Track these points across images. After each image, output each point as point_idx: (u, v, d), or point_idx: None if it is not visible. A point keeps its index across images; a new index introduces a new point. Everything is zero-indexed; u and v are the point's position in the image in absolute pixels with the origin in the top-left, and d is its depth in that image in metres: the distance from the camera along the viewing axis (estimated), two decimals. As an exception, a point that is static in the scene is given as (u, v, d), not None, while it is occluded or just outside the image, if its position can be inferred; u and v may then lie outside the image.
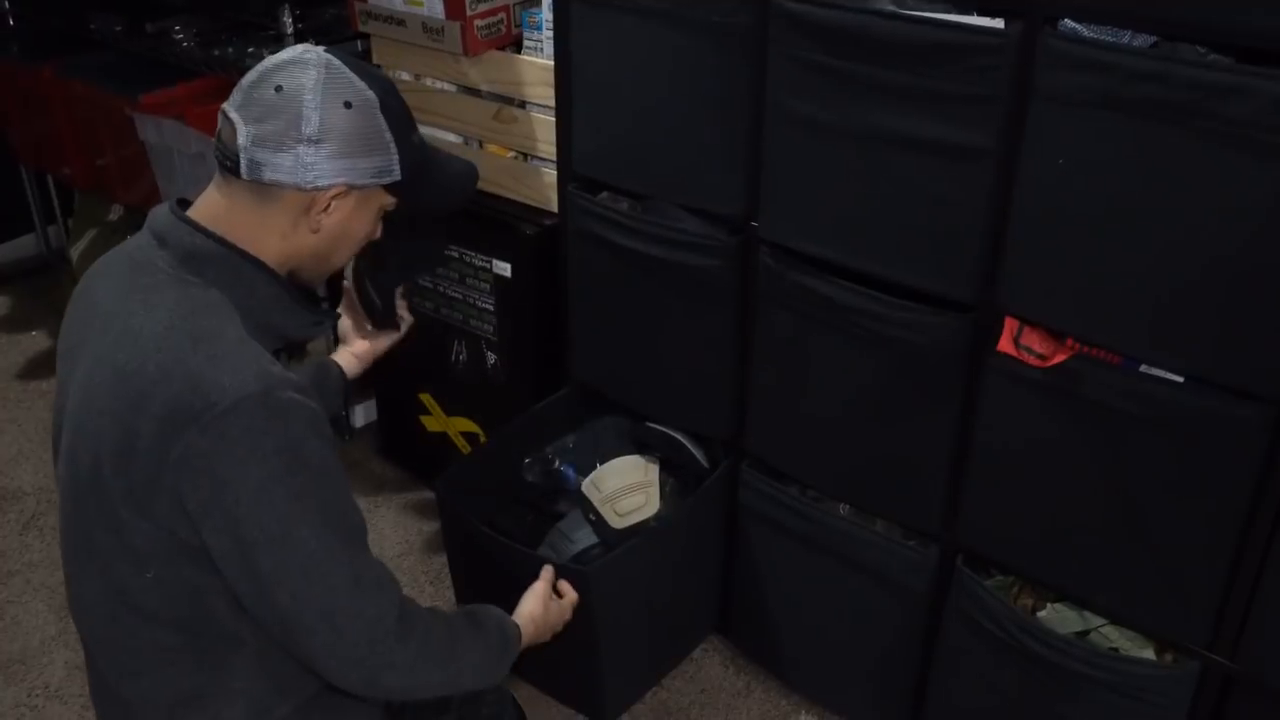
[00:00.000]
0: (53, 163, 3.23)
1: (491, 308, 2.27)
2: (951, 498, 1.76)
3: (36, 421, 2.92)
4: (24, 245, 3.70)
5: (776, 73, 1.69)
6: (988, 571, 1.79)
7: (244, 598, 1.17)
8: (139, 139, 2.72)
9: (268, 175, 1.19)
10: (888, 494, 1.85)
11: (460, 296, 2.32)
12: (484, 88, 2.20)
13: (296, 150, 1.18)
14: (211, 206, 1.24)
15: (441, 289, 2.35)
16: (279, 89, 1.19)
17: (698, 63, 1.78)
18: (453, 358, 2.41)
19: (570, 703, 2.11)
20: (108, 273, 1.28)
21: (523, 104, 2.17)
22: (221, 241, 1.22)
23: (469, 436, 2.50)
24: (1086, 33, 1.42)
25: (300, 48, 1.25)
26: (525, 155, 2.20)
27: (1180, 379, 1.47)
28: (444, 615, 1.34)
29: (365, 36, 2.36)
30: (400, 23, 2.20)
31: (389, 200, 1.31)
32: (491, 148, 2.25)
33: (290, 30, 2.36)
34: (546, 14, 2.07)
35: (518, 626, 1.47)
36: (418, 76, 2.30)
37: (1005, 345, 1.57)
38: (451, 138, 2.30)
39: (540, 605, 1.57)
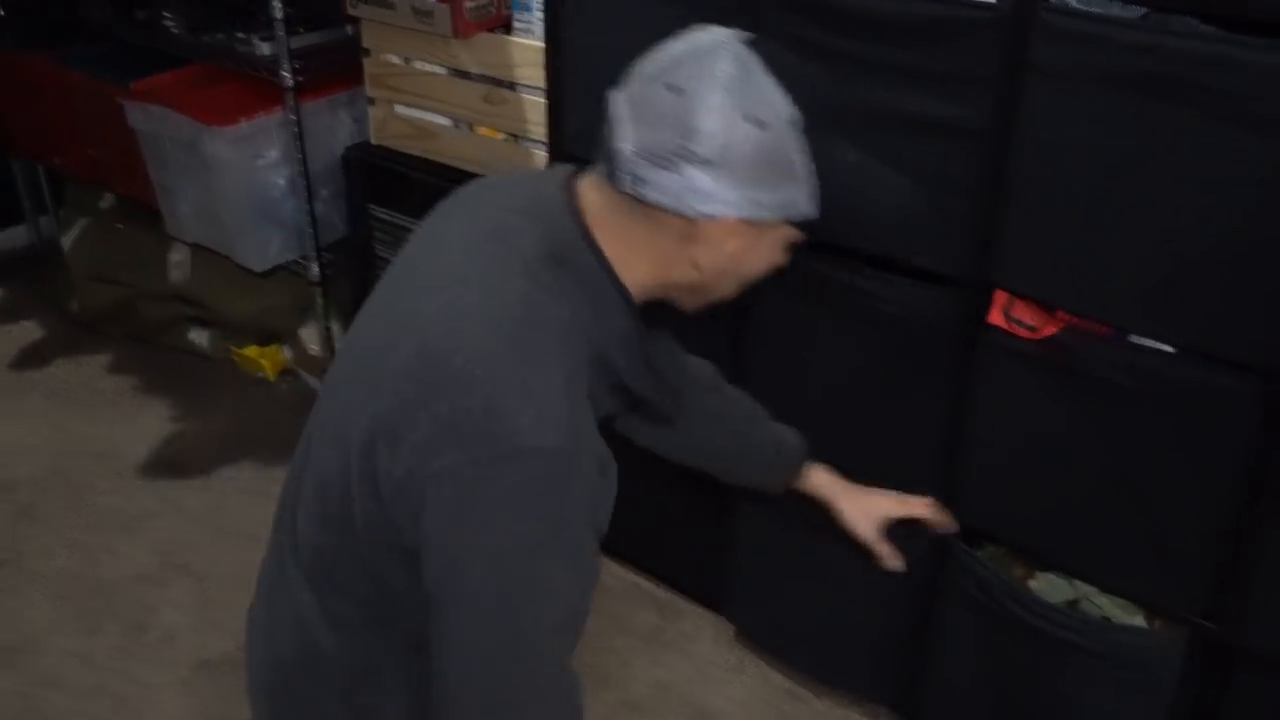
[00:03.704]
0: (44, 152, 3.23)
1: (484, 291, 2.27)
2: (945, 471, 1.76)
3: (30, 412, 2.91)
4: (15, 236, 3.68)
5: (767, 49, 1.69)
6: (980, 543, 1.79)
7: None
8: (130, 127, 2.71)
9: (649, 195, 1.00)
10: (881, 469, 1.84)
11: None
12: (474, 70, 2.20)
13: (685, 171, 0.98)
14: (593, 201, 1.06)
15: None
16: (678, 89, 0.99)
17: (688, 41, 1.77)
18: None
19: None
20: (471, 212, 1.14)
21: (513, 85, 2.16)
22: (598, 255, 1.05)
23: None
24: (1076, 4, 1.42)
25: (716, 33, 1.03)
26: (516, 137, 2.20)
27: (1171, 349, 1.48)
28: None
29: (355, 20, 2.36)
30: (390, 6, 2.20)
31: (796, 234, 1.09)
32: (482, 130, 2.25)
33: (280, 15, 2.35)
34: (537, -5, 2.07)
35: None
36: (407, 59, 2.30)
37: (996, 318, 1.57)
38: (442, 120, 2.30)
39: None
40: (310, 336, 2.86)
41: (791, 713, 2.06)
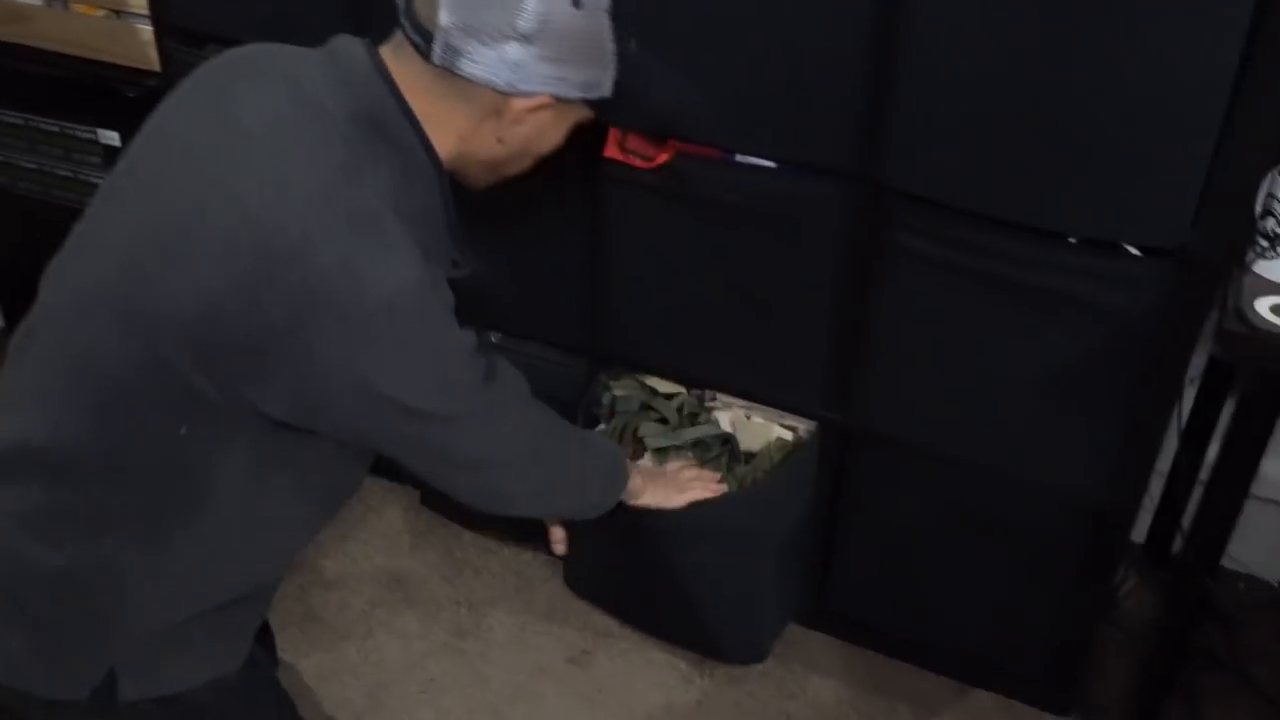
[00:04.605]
0: None
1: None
2: (591, 307, 1.82)
3: None
4: None
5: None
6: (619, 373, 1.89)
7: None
8: None
9: (464, 67, 1.05)
10: (533, 316, 1.90)
11: (69, 174, 2.15)
12: (59, -60, 2.02)
13: (504, 46, 1.04)
14: (396, 71, 1.08)
15: (46, 168, 2.17)
16: None
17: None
18: (74, 242, 2.25)
19: None
20: (256, 81, 1.09)
21: (105, -45, 2.00)
22: (414, 122, 1.07)
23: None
24: None
25: None
26: (118, 13, 2.04)
27: (771, 164, 1.58)
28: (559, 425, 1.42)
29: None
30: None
31: (587, 115, 1.18)
32: (79, 7, 2.08)
33: None
34: None
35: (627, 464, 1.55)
36: (-19, -67, 2.07)
37: (612, 151, 1.63)
38: (34, 0, 2.10)
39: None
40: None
41: (479, 563, 2.12)
